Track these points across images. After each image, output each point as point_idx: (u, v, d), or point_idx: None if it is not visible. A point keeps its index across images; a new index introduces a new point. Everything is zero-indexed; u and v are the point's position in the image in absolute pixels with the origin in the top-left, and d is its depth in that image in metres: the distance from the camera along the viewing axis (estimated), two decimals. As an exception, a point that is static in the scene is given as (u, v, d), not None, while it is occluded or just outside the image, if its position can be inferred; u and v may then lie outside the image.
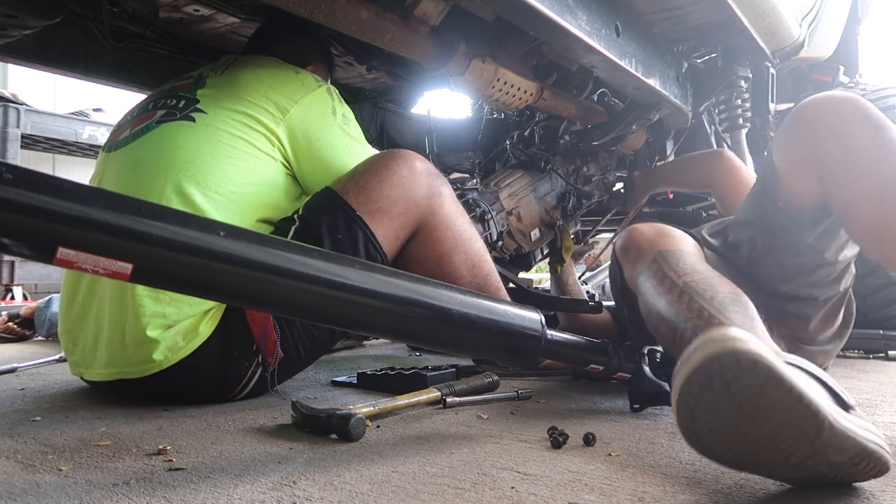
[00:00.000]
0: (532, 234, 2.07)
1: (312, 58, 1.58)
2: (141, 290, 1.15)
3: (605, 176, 2.40)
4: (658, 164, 2.38)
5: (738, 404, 0.63)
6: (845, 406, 0.72)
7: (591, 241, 2.73)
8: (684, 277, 0.98)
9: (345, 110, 1.42)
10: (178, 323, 1.17)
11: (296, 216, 1.28)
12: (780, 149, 1.18)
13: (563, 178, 2.23)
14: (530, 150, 2.23)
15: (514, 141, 2.31)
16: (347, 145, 1.38)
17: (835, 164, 1.08)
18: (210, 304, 1.19)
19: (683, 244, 1.11)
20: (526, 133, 2.32)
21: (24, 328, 2.46)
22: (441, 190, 1.35)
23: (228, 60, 1.43)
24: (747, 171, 1.99)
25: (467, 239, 1.37)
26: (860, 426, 0.69)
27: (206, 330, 1.19)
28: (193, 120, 1.27)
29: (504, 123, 2.61)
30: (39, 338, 2.46)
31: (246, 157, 1.26)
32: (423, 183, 1.31)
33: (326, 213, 1.26)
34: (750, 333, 0.65)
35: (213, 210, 1.20)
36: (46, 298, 2.50)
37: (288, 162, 1.34)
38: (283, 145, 1.32)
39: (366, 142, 1.45)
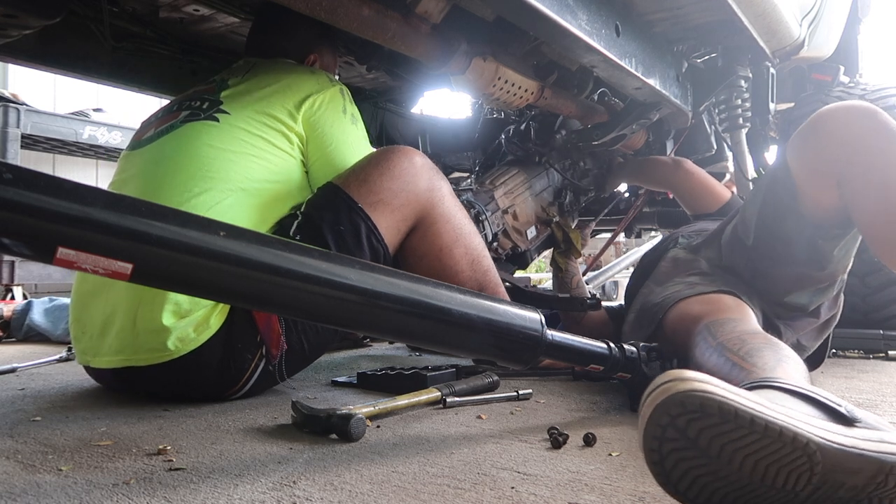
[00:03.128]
0: (528, 231, 2.06)
1: (316, 44, 1.62)
2: None
3: (603, 170, 2.39)
4: (632, 160, 2.43)
5: (705, 450, 0.59)
6: (847, 421, 0.64)
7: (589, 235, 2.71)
8: (719, 338, 0.97)
9: (354, 110, 1.47)
10: (191, 313, 1.18)
11: (298, 212, 1.29)
12: (798, 157, 1.17)
13: (560, 173, 2.21)
14: (526, 146, 2.22)
15: (509, 136, 2.29)
16: (352, 144, 1.42)
17: (857, 174, 1.08)
18: None
19: (728, 313, 1.10)
20: (522, 127, 2.31)
21: (3, 329, 2.47)
22: (440, 185, 1.37)
23: (248, 65, 1.49)
24: (703, 175, 2.11)
25: (467, 233, 1.40)
26: (867, 439, 0.62)
27: (216, 322, 1.20)
28: (217, 120, 1.31)
29: (503, 122, 2.61)
30: (15, 337, 2.47)
31: (266, 156, 1.31)
32: (423, 176, 1.34)
33: (329, 207, 1.28)
34: (699, 373, 0.61)
35: (236, 204, 1.23)
36: (25, 302, 2.53)
37: (305, 157, 1.39)
38: (302, 142, 1.37)
39: (369, 143, 1.49)
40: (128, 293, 1.19)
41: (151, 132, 1.37)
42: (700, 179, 2.08)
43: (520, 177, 2.12)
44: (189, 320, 1.18)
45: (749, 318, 1.11)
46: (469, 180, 2.02)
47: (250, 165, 1.28)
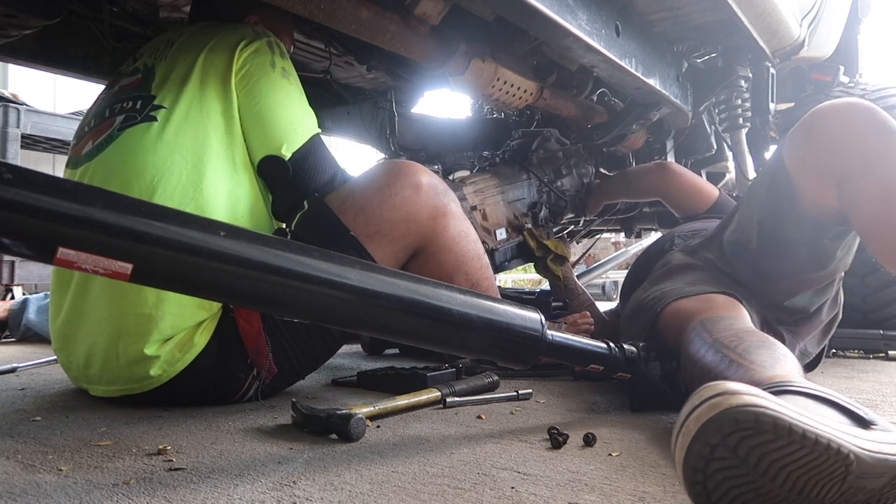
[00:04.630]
0: (497, 232, 2.03)
1: (256, 5, 1.43)
2: (133, 308, 1.13)
3: (581, 193, 2.38)
4: (612, 176, 2.42)
5: (753, 466, 0.57)
6: (865, 424, 0.65)
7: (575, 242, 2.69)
8: (715, 335, 0.97)
9: (285, 65, 1.32)
10: (173, 337, 1.15)
11: (288, 230, 1.26)
12: (795, 157, 1.16)
13: (539, 178, 2.20)
14: (501, 157, 2.24)
15: (483, 153, 2.32)
16: (282, 100, 1.28)
17: (855, 174, 1.06)
18: (203, 315, 1.17)
19: (722, 311, 1.10)
20: (499, 152, 2.35)
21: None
22: (447, 209, 1.30)
23: (169, 40, 1.34)
24: (691, 174, 2.08)
25: (470, 259, 1.34)
26: (890, 442, 0.62)
27: (201, 340, 1.17)
28: (155, 119, 1.21)
29: (503, 122, 2.61)
30: (12, 337, 2.47)
31: (214, 148, 1.21)
32: (427, 204, 1.27)
33: (321, 233, 1.21)
34: (744, 384, 0.60)
35: (197, 211, 1.15)
36: (21, 300, 2.52)
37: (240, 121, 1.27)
38: (239, 114, 1.25)
39: (305, 99, 1.34)
40: (107, 325, 1.14)
41: (90, 146, 1.25)
42: (689, 179, 2.05)
43: (492, 181, 2.11)
44: (173, 342, 1.15)
45: (744, 318, 1.11)
46: (436, 166, 2.00)
47: (200, 164, 1.18)
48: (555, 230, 2.33)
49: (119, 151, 1.21)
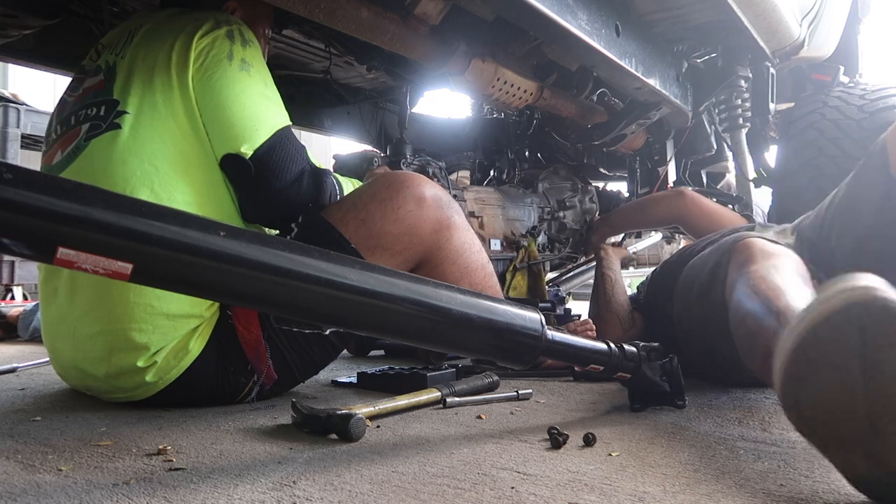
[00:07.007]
0: (491, 241, 2.03)
1: None
2: (122, 324, 1.11)
3: (582, 230, 2.39)
4: (618, 208, 2.42)
5: (864, 357, 0.61)
6: None
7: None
8: (767, 283, 0.98)
9: (245, 54, 1.22)
10: (167, 345, 1.14)
11: (288, 238, 1.25)
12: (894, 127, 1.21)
13: (542, 205, 2.23)
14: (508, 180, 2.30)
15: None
16: (238, 96, 1.19)
17: None
18: (195, 322, 1.16)
19: (782, 259, 1.09)
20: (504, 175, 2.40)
21: (4, 330, 2.48)
22: (450, 222, 1.28)
23: (129, 32, 1.27)
24: (709, 201, 2.01)
25: (474, 270, 1.33)
26: None
27: (196, 346, 1.16)
28: (120, 126, 1.16)
29: (503, 122, 2.61)
30: (21, 338, 2.48)
31: (185, 152, 1.17)
32: (430, 217, 1.25)
33: (320, 245, 1.19)
34: (880, 279, 0.64)
35: None
36: (34, 304, 2.52)
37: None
38: (198, 111, 1.18)
39: (270, 91, 1.25)
40: (98, 341, 1.13)
41: (59, 156, 1.21)
42: (710, 203, 1.99)
43: (494, 194, 2.12)
44: (166, 350, 1.14)
45: (800, 269, 1.11)
46: (440, 164, 2.01)
47: (170, 173, 1.14)
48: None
49: (88, 164, 1.16)
